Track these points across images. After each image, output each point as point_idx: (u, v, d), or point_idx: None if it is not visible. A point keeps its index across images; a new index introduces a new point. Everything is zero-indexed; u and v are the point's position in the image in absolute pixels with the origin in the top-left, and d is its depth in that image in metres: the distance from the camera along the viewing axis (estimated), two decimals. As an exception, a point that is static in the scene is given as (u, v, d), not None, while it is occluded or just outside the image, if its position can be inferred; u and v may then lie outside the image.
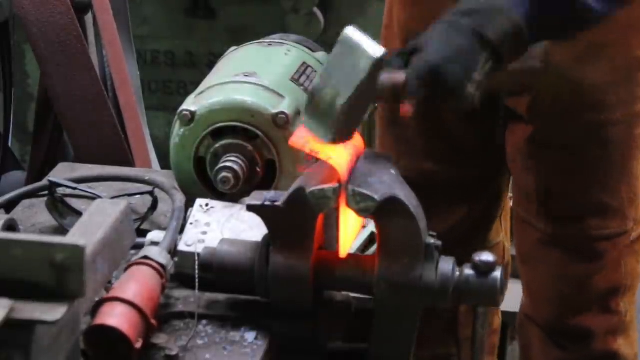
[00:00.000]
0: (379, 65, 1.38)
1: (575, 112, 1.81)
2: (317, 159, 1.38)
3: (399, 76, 1.47)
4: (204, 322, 1.42)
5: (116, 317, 1.27)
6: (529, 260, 1.98)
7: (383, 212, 1.33)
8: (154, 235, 1.52)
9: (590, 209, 1.86)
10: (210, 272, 1.42)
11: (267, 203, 1.37)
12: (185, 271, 1.47)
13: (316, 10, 3.57)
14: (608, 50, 1.78)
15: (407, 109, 1.47)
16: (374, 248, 1.73)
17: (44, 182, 1.73)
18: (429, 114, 1.93)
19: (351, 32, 1.37)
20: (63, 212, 1.70)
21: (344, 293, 1.47)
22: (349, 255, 1.42)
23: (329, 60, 1.39)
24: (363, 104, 1.42)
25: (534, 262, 1.96)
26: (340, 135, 1.39)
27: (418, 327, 1.41)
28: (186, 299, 1.46)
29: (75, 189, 1.73)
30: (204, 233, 1.53)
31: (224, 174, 1.61)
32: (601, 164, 1.84)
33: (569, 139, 1.83)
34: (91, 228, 1.25)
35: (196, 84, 1.78)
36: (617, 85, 1.80)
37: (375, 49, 1.37)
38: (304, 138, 1.37)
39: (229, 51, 1.89)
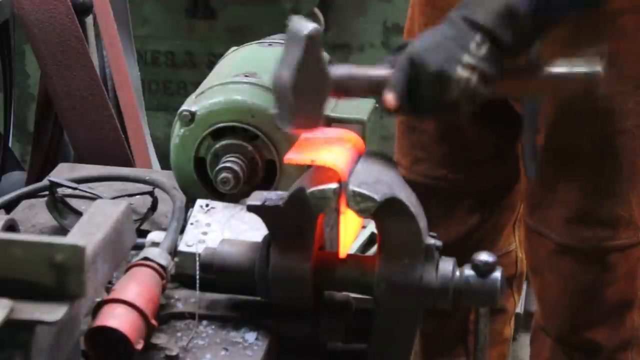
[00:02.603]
0: (313, 42, 1.40)
1: (585, 121, 1.79)
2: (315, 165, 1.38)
3: (383, 71, 1.47)
4: (205, 322, 1.42)
5: (117, 318, 1.27)
6: (540, 271, 1.95)
7: (383, 212, 1.33)
8: (155, 235, 1.52)
9: (600, 220, 1.83)
10: (210, 272, 1.42)
11: (267, 203, 1.37)
12: (186, 271, 1.47)
13: (316, 10, 3.57)
14: (617, 59, 1.76)
15: (389, 102, 1.45)
16: (374, 248, 1.73)
17: (45, 182, 1.73)
18: (445, 118, 1.92)
19: (293, 21, 1.42)
20: (63, 212, 1.70)
21: (344, 293, 1.47)
22: (349, 255, 1.42)
23: (282, 51, 1.43)
24: (315, 88, 1.43)
25: (545, 273, 1.93)
26: (298, 121, 1.41)
27: (418, 328, 1.41)
28: (186, 299, 1.46)
29: (75, 189, 1.73)
30: (205, 233, 1.53)
31: (224, 174, 1.61)
32: (611, 173, 1.82)
33: (579, 148, 1.81)
34: (91, 228, 1.25)
35: (196, 84, 1.78)
36: (626, 94, 1.78)
37: (305, 28, 1.40)
38: (298, 153, 1.38)
39: (229, 51, 1.89)
